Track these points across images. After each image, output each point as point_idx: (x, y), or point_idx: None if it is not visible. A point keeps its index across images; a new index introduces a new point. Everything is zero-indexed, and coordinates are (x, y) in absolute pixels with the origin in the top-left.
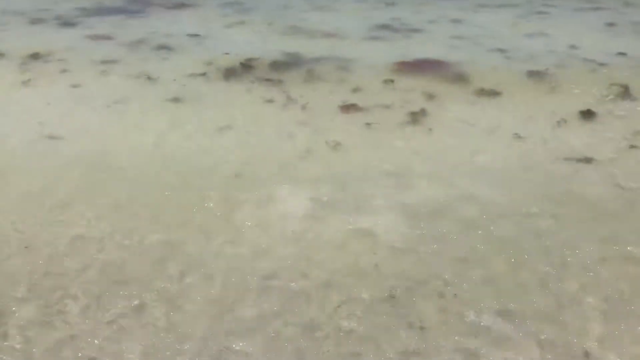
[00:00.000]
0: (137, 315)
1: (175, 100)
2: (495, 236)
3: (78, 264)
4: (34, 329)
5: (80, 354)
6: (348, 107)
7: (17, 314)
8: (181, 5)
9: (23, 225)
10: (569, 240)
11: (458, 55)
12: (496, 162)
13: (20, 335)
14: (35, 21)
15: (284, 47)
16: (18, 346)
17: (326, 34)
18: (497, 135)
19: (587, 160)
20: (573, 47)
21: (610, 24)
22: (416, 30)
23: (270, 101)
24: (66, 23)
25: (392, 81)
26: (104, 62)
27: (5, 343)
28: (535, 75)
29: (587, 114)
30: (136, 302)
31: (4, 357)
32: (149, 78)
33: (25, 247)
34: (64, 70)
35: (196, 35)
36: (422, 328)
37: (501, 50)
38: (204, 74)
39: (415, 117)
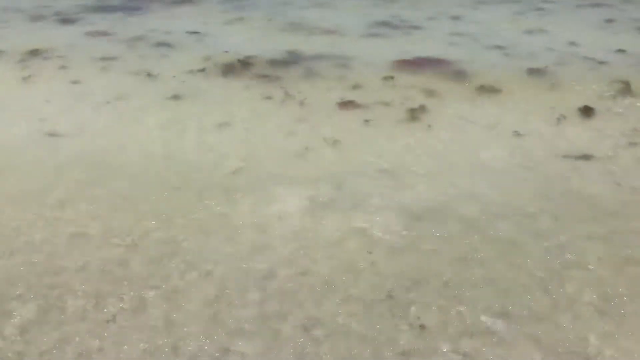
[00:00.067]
0: (137, 313)
1: (175, 97)
2: (495, 236)
3: (77, 262)
4: (34, 328)
5: (79, 353)
6: (346, 104)
7: (16, 313)
8: (181, 2)
9: (22, 222)
10: (568, 240)
11: (458, 53)
12: (496, 160)
13: (19, 334)
14: (35, 18)
15: (283, 44)
16: (17, 345)
17: (325, 30)
18: (497, 132)
19: (587, 157)
20: (572, 43)
21: (609, 21)
22: (415, 27)
23: (269, 98)
24: (66, 20)
25: (391, 78)
26: (104, 59)
27: (4, 342)
28: (534, 72)
29: (587, 111)
30: (135, 300)
31: (4, 356)
32: (148, 75)
33: (25, 245)
34: (63, 67)
35: (195, 32)
36: (421, 328)
37: (501, 47)
38: (203, 71)
39: (415, 114)
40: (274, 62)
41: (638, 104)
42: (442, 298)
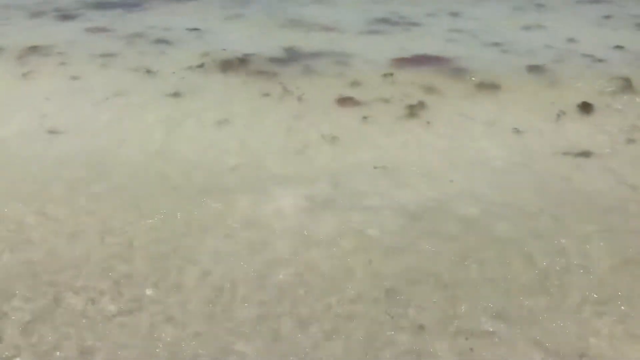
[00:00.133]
0: (135, 311)
1: (174, 94)
2: (494, 235)
3: (76, 259)
4: (33, 325)
5: (77, 351)
6: (345, 101)
7: (15, 311)
8: None
9: (22, 219)
10: (568, 240)
11: (457, 50)
12: (495, 157)
13: (18, 331)
14: (35, 14)
15: (282, 40)
16: (17, 342)
17: (324, 27)
18: (496, 129)
19: (586, 154)
20: (571, 40)
21: (608, 17)
22: (414, 24)
23: (267, 95)
24: (66, 16)
25: (391, 75)
26: (104, 55)
27: (4, 339)
28: (533, 69)
29: (586, 108)
30: (134, 297)
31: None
32: (147, 71)
33: (25, 241)
34: (63, 64)
35: (195, 29)
36: (420, 328)
37: (500, 44)
38: (202, 68)
39: (413, 111)
40: (273, 59)
41: (637, 101)
42: (441, 298)
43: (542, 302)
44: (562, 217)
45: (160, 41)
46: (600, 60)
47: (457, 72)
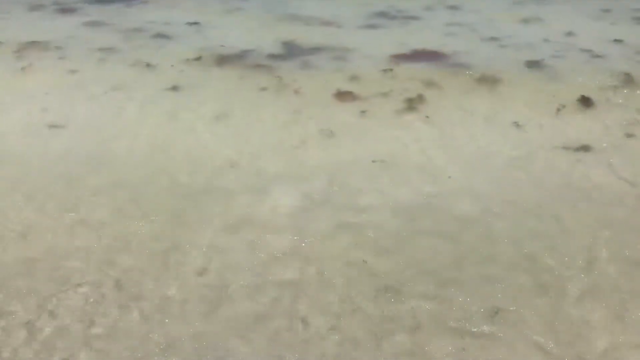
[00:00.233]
0: (133, 307)
1: (173, 88)
2: (492, 233)
3: (76, 254)
4: (33, 320)
5: (74, 349)
6: (344, 95)
7: (16, 309)
8: None
9: (22, 214)
10: (568, 237)
11: (455, 44)
12: (494, 151)
13: (17, 329)
14: (34, 8)
15: (281, 34)
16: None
17: (323, 21)
18: (496, 123)
19: (586, 148)
20: (570, 34)
21: (606, 10)
22: (413, 18)
23: (266, 89)
24: (65, 10)
25: (390, 70)
26: (102, 49)
27: (3, 335)
28: (533, 64)
29: (585, 102)
30: (133, 293)
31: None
32: (147, 65)
33: (24, 236)
34: (61, 58)
35: (194, 23)
36: (415, 328)
37: (498, 39)
38: (201, 62)
39: (412, 105)
40: (272, 53)
41: (636, 95)
42: (438, 297)
43: (542, 303)
44: (562, 215)
45: (160, 35)
46: (599, 54)
47: (456, 67)
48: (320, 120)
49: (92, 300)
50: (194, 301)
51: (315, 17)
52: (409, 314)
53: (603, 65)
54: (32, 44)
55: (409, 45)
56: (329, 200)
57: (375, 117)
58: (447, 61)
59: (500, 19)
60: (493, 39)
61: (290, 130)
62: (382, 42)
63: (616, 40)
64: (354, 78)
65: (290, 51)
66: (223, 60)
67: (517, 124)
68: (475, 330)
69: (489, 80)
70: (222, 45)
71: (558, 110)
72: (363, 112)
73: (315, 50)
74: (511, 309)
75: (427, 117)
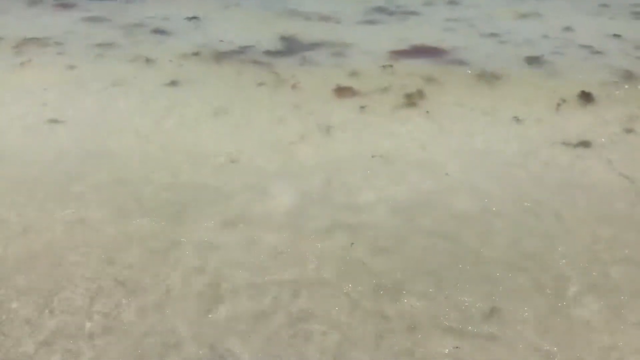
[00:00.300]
0: (132, 304)
1: (172, 83)
2: (492, 231)
3: (75, 251)
4: (33, 318)
5: (71, 347)
6: (343, 91)
7: (16, 306)
8: None
9: (22, 210)
10: (568, 235)
11: (455, 40)
12: (494, 148)
13: (16, 325)
14: (33, 3)
15: (280, 29)
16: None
17: (322, 17)
18: (496, 119)
19: (586, 144)
20: (568, 29)
21: (604, 5)
22: (412, 13)
23: (264, 85)
24: (64, 5)
25: (390, 66)
26: (101, 45)
27: (3, 332)
28: (532, 60)
29: (585, 98)
30: (129, 291)
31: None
32: (146, 60)
33: (24, 232)
34: (60, 53)
35: (194, 17)
36: (411, 328)
37: (498, 34)
38: (200, 57)
39: (412, 100)
40: (270, 49)
41: (636, 90)
42: (436, 297)
43: (542, 304)
44: (562, 212)
45: (159, 31)
46: (598, 50)
47: (456, 63)
48: (320, 115)
49: (90, 296)
50: (191, 298)
51: (314, 13)
52: (407, 313)
53: (602, 61)
54: (31, 40)
55: (409, 40)
56: (325, 199)
57: (375, 112)
58: (447, 57)
59: (499, 15)
60: (492, 34)
61: (289, 125)
62: (381, 37)
63: (615, 35)
64: (353, 74)
65: (290, 47)
66: (222, 55)
67: (516, 120)
68: (473, 330)
69: (488, 77)
70: (221, 41)
71: (558, 105)
72: (362, 107)
73: (315, 45)
74: (510, 308)
75: (427, 112)
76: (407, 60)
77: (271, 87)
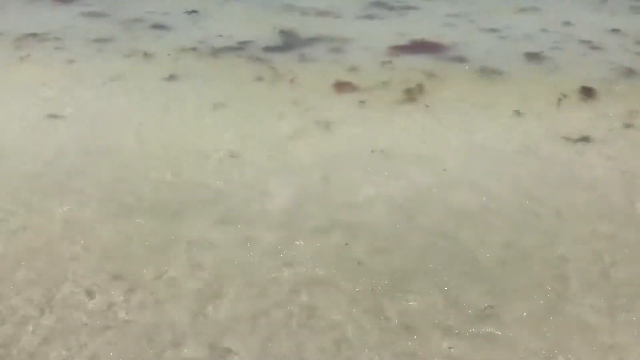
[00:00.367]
0: (130, 300)
1: (170, 78)
2: (491, 229)
3: (74, 247)
4: (32, 315)
5: (69, 347)
6: (342, 86)
7: (16, 298)
8: None
9: (21, 206)
10: (568, 233)
11: (454, 35)
12: (494, 144)
13: (14, 323)
14: None
15: (279, 24)
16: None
17: (321, 11)
18: (496, 115)
19: (586, 139)
20: (567, 23)
21: (603, 0)
22: (411, 8)
23: (263, 80)
24: (63, 0)
25: (390, 62)
26: (100, 40)
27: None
28: (532, 55)
29: (586, 93)
30: (130, 287)
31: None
32: (145, 54)
33: (23, 229)
34: (60, 48)
35: (192, 11)
36: (408, 327)
37: (497, 30)
38: (198, 52)
39: (412, 95)
40: (269, 44)
41: (636, 85)
42: (433, 296)
43: (541, 304)
44: (562, 210)
45: (158, 26)
46: (598, 45)
47: (456, 58)
48: (319, 111)
49: (88, 293)
50: (189, 296)
51: (313, 8)
52: (406, 312)
53: (602, 56)
54: (31, 35)
55: (408, 35)
56: (323, 196)
57: (375, 108)
58: (447, 52)
59: (498, 9)
60: (492, 30)
61: (288, 121)
62: (380, 32)
63: (614, 30)
64: (352, 69)
65: (289, 42)
66: (221, 50)
67: (517, 115)
68: (471, 329)
69: (488, 72)
70: (220, 36)
71: (559, 100)
72: (362, 102)
73: (314, 40)
74: (509, 308)
75: (427, 107)
76: (406, 55)
77: (270, 83)
